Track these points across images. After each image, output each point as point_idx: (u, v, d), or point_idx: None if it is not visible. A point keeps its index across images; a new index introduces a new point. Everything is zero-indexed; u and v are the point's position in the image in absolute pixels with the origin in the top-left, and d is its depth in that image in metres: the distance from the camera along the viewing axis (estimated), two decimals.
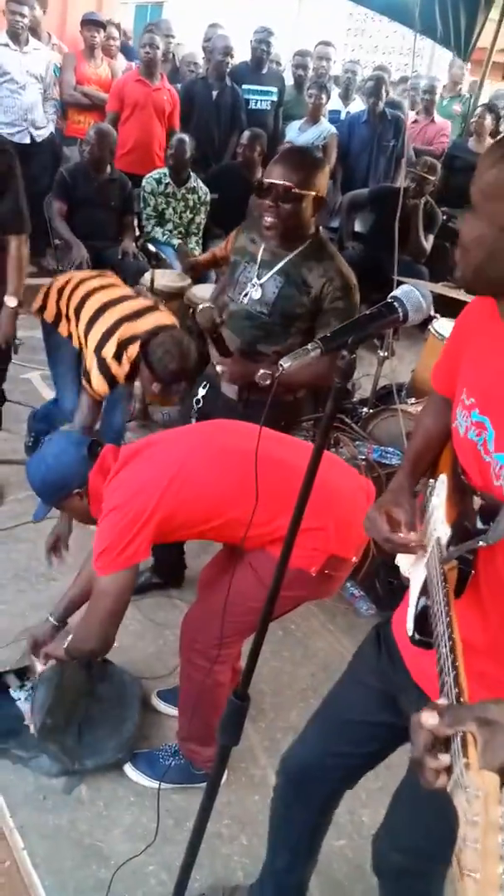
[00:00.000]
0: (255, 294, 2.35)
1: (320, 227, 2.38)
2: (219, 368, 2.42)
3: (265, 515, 1.66)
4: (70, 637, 2.04)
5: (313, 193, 2.25)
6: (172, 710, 2.37)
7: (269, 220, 2.26)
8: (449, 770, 0.77)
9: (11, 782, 2.13)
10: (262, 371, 2.29)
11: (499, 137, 1.19)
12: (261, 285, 2.35)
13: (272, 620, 1.33)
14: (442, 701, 0.85)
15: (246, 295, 2.37)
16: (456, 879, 0.68)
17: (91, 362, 2.86)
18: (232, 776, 2.25)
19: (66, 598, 2.24)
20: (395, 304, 1.14)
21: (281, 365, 1.08)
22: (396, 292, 1.15)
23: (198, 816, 1.48)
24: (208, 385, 2.56)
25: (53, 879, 1.92)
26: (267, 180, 2.24)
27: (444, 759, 0.78)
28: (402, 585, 2.84)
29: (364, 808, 2.20)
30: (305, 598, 2.01)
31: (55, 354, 3.39)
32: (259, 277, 2.35)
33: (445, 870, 1.48)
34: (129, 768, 2.21)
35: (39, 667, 2.20)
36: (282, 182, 2.20)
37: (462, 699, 0.85)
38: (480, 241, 1.10)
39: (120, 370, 2.85)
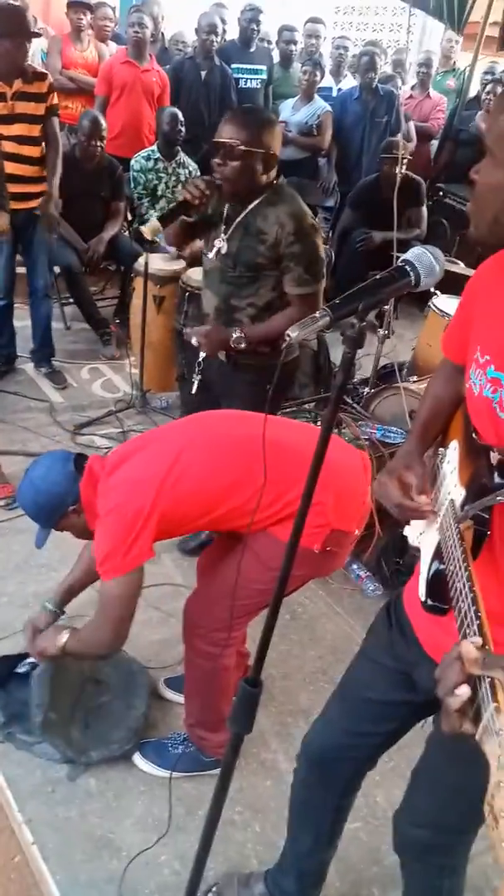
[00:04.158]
0: (223, 249, 2.44)
1: (281, 178, 2.45)
2: (194, 341, 2.50)
3: (268, 498, 1.66)
4: (70, 637, 1.94)
5: (262, 151, 2.30)
6: (180, 698, 2.33)
7: (218, 177, 2.35)
8: (476, 718, 0.76)
9: (19, 776, 2.10)
10: (235, 335, 2.40)
11: None
12: (226, 240, 2.44)
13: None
14: (476, 640, 0.83)
15: (216, 251, 2.46)
16: (490, 826, 0.67)
17: None
18: (243, 762, 2.22)
19: (64, 584, 2.18)
20: (406, 267, 1.09)
21: (288, 335, 1.04)
22: (407, 255, 1.10)
23: (211, 806, 1.44)
24: None
25: (65, 873, 1.89)
26: (216, 139, 2.31)
27: (465, 690, 0.78)
28: (408, 565, 2.82)
29: (378, 788, 2.18)
30: (310, 576, 1.99)
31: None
32: (225, 233, 2.44)
33: (468, 842, 1.47)
34: (138, 759, 2.18)
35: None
36: (228, 140, 2.27)
37: (487, 647, 0.83)
38: (498, 187, 1.09)
39: None
